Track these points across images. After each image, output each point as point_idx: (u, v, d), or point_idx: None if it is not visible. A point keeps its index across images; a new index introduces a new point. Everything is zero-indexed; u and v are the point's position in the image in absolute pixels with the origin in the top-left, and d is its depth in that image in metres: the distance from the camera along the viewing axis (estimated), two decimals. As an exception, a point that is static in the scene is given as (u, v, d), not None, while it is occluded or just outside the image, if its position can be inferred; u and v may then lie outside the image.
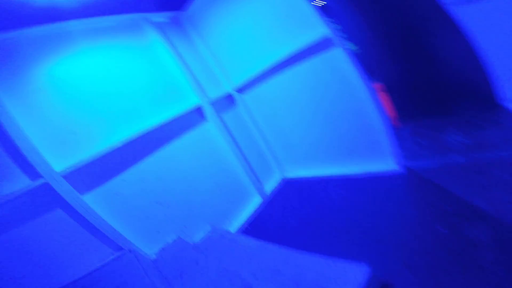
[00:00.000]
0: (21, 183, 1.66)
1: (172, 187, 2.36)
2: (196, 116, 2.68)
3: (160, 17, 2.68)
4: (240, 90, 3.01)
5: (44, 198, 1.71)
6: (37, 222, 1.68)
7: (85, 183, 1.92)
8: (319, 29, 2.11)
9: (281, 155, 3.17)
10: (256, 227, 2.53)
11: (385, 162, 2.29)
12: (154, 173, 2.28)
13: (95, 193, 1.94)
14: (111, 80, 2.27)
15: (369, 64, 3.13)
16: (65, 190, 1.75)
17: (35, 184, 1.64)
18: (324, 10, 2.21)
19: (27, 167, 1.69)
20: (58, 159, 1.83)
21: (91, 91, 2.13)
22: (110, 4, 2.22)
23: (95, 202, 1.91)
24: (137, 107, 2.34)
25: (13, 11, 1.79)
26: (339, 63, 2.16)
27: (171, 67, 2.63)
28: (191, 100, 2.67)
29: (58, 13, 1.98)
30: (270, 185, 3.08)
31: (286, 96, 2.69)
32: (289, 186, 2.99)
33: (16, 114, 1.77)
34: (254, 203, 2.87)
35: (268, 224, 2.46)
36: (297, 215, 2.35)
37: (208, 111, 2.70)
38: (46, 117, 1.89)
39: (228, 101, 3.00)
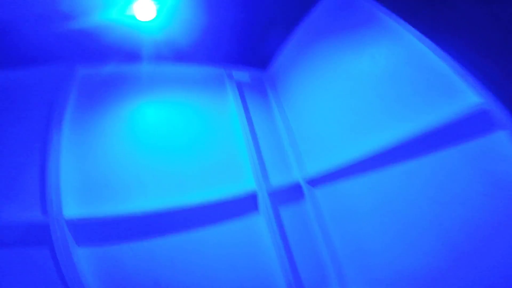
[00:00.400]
0: (29, 213, 1.65)
1: (183, 282, 1.72)
2: (245, 204, 2.01)
3: (241, 74, 2.42)
4: (314, 182, 2.22)
5: (37, 235, 1.62)
6: (17, 252, 1.61)
7: (88, 237, 1.72)
8: (467, 95, 1.24)
9: (350, 276, 2.00)
10: None
11: None
12: (169, 256, 1.75)
13: (92, 251, 1.71)
14: (167, 136, 2.04)
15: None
16: (61, 236, 1.61)
17: (37, 218, 1.62)
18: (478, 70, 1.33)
19: (43, 201, 1.68)
20: (75, 204, 1.73)
21: (144, 143, 1.97)
22: (195, 52, 2.15)
23: (87, 258, 1.68)
24: (182, 174, 1.96)
25: (94, 48, 1.89)
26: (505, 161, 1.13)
27: (234, 136, 2.17)
28: (246, 183, 2.06)
29: (137, 53, 2.00)
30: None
31: (385, 203, 1.70)
32: None
33: (65, 144, 1.83)
34: None
35: None
36: None
37: (264, 201, 2.00)
38: (87, 157, 1.85)
39: (293, 193, 2.23)
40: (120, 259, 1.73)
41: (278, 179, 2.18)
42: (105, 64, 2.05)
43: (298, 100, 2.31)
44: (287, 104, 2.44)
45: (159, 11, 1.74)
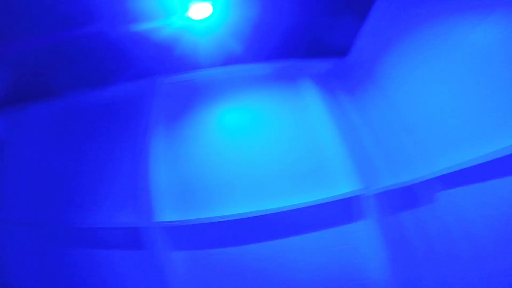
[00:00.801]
0: (123, 217, 1.77)
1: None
2: (345, 207, 1.71)
3: (317, 66, 2.18)
4: (428, 183, 1.64)
5: (130, 238, 1.73)
6: (110, 255, 1.78)
7: (180, 241, 1.74)
8: None
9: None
10: None
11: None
12: (262, 263, 1.67)
13: (184, 255, 1.72)
14: (253, 137, 1.96)
15: None
16: (153, 240, 1.67)
17: (131, 223, 1.72)
18: None
19: (136, 205, 1.77)
20: (168, 209, 1.77)
21: (231, 146, 1.94)
22: (263, 49, 2.01)
23: (179, 263, 1.70)
24: (275, 177, 1.82)
25: (168, 58, 1.99)
26: None
27: (324, 132, 1.92)
28: (342, 187, 1.75)
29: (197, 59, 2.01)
30: None
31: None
32: None
33: (155, 150, 1.92)
34: None
35: None
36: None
37: (368, 206, 1.67)
38: (178, 163, 1.92)
39: (407, 195, 1.76)
40: (212, 265, 1.69)
41: (386, 179, 1.79)
42: (181, 72, 2.15)
43: (390, 87, 1.91)
44: (376, 93, 2.07)
45: (215, 11, 1.67)
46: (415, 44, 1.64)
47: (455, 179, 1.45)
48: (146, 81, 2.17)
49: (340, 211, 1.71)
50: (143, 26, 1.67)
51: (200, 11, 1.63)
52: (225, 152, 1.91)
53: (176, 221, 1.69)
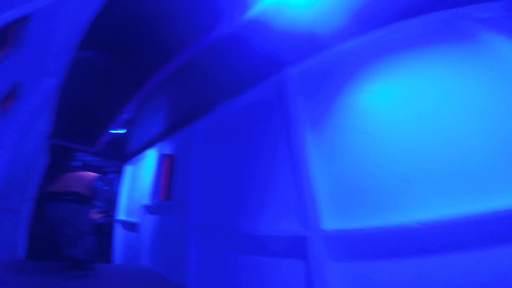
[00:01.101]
0: (288, 225, 1.72)
1: None
2: None
3: (487, 10, 1.44)
4: None
5: (294, 247, 1.64)
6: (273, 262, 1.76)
7: (345, 251, 1.47)
8: None
9: None
10: None
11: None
12: (442, 280, 1.16)
13: (348, 266, 1.43)
14: (424, 119, 1.43)
15: None
16: (317, 249, 1.51)
17: (295, 231, 1.65)
18: None
19: (300, 213, 1.66)
20: (332, 215, 1.56)
21: (402, 134, 1.46)
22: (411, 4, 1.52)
23: (341, 274, 1.43)
24: (462, 172, 1.23)
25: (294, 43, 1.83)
26: None
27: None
28: None
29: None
30: None
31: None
32: None
33: (311, 149, 1.76)
34: None
35: None
36: None
37: None
38: (335, 161, 1.67)
39: None
40: (378, 279, 1.33)
41: None
42: (315, 54, 1.89)
43: None
44: None
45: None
46: None
47: None
48: (280, 74, 2.07)
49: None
50: (261, 11, 1.57)
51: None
52: (396, 140, 1.46)
53: (341, 229, 1.47)
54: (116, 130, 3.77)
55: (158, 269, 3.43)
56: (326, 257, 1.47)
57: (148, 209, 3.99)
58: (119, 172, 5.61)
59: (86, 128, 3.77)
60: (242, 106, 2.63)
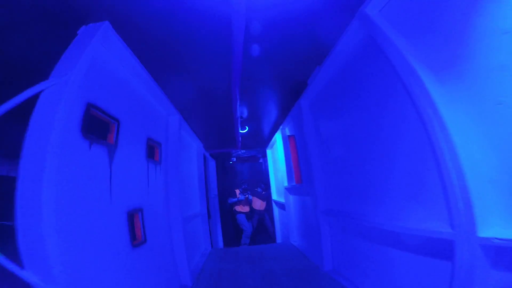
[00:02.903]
0: (435, 224, 1.27)
1: None
2: None
3: None
4: None
5: (441, 247, 1.28)
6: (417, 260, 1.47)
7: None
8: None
9: None
10: None
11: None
12: None
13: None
14: None
15: None
16: (470, 262, 1.10)
17: (443, 232, 1.20)
18: None
19: (450, 212, 1.18)
20: (497, 219, 1.07)
21: None
22: None
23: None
24: None
25: None
26: None
27: None
28: None
29: None
30: None
31: None
32: None
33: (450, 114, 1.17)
34: None
35: None
36: None
37: None
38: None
39: None
40: None
41: None
42: None
43: None
44: None
45: None
46: None
47: None
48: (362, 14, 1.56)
49: None
50: None
51: None
52: None
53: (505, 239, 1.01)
54: (243, 128, 4.24)
55: (302, 248, 3.62)
56: (479, 264, 1.10)
57: (288, 190, 4.21)
58: (264, 156, 6.37)
59: (225, 138, 4.68)
60: (335, 71, 2.21)
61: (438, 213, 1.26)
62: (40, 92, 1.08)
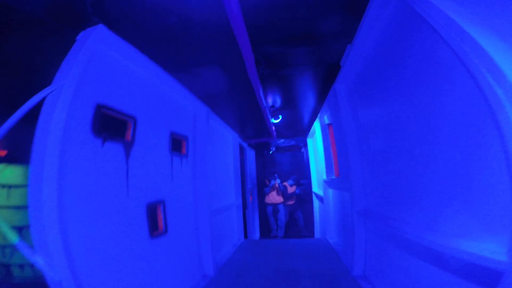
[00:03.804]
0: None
1: None
2: None
3: None
4: None
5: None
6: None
7: None
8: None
9: None
10: None
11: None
12: None
13: None
14: None
15: None
16: None
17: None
18: None
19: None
20: None
21: None
22: None
23: None
24: None
25: None
26: None
27: None
28: None
29: None
30: None
31: None
32: None
33: None
34: None
35: None
36: None
37: None
38: None
39: None
40: None
41: None
42: None
43: None
44: None
45: None
46: None
47: None
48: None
49: None
50: None
51: None
52: None
53: None
54: (276, 117, 4.06)
55: (337, 247, 3.33)
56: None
57: (327, 183, 3.91)
58: (305, 146, 6.06)
59: (258, 128, 4.64)
60: (369, 49, 1.88)
61: (493, 232, 0.90)
62: (44, 98, 1.16)
